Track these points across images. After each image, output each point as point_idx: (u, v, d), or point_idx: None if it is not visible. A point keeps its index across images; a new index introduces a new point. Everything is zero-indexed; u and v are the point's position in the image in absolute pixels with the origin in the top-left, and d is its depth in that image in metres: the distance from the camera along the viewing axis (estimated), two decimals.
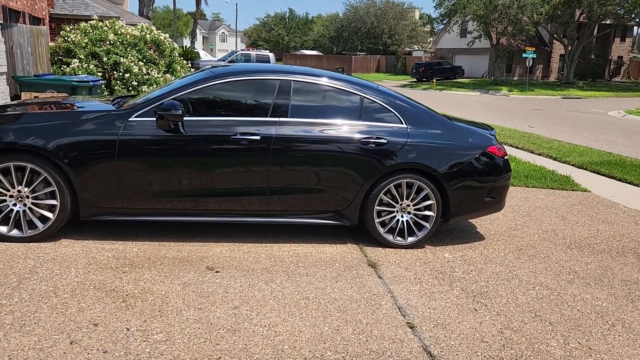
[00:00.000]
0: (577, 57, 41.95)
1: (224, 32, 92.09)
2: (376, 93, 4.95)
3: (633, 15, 39.02)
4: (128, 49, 12.58)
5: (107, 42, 12.30)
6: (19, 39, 8.09)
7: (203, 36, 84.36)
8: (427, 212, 4.91)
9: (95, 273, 3.91)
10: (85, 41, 12.13)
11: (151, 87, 12.33)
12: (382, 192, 4.79)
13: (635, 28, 53.35)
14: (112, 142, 4.34)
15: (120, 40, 12.51)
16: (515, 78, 47.52)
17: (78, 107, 4.83)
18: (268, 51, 37.10)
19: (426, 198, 4.87)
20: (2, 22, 7.45)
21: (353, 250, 4.79)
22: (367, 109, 4.85)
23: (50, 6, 19.46)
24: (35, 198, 4.35)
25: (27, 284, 3.66)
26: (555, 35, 42.44)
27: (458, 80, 44.73)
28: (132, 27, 13.45)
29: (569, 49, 41.36)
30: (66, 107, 4.90)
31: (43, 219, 4.40)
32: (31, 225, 4.39)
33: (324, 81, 4.87)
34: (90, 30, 12.58)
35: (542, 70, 49.19)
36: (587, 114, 22.15)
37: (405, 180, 4.80)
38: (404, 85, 37.99)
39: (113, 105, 4.87)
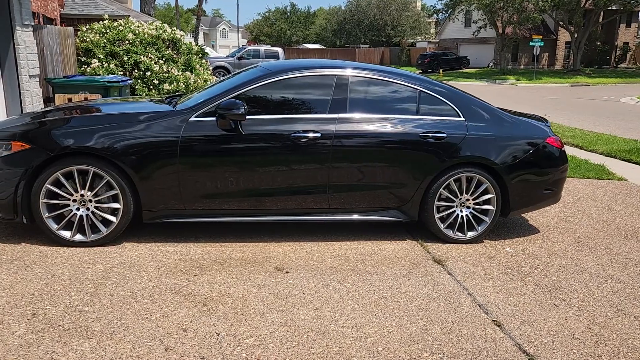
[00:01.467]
0: (583, 45, 41.73)
1: (224, 28, 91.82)
2: (432, 86, 4.88)
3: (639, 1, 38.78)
4: (147, 48, 12.50)
5: (126, 42, 12.22)
6: (48, 40, 8.02)
7: (204, 32, 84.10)
8: (486, 206, 4.85)
9: (167, 276, 3.87)
10: (104, 41, 12.05)
11: (172, 85, 12.29)
12: (442, 187, 4.72)
13: None
14: (174, 143, 4.28)
15: (139, 39, 12.43)
16: (521, 67, 47.33)
17: (134, 108, 4.77)
18: (277, 47, 36.87)
19: (486, 192, 4.81)
20: (33, 23, 7.35)
21: (414, 246, 4.74)
22: (424, 102, 4.78)
23: (60, 6, 19.36)
24: (97, 202, 4.30)
25: (103, 289, 3.61)
26: (560, 23, 42.21)
27: (464, 70, 44.56)
28: (148, 25, 13.36)
29: (575, 36, 41.16)
30: (117, 108, 4.84)
31: (106, 222, 4.35)
32: (94, 229, 4.34)
33: (380, 75, 4.81)
34: (108, 30, 12.50)
35: (547, 58, 48.96)
36: (599, 101, 22.03)
37: (465, 174, 4.74)
38: None
39: (169, 105, 4.81)
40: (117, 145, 4.19)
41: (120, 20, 12.90)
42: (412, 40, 58.84)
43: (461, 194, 4.80)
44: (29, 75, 7.27)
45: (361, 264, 4.29)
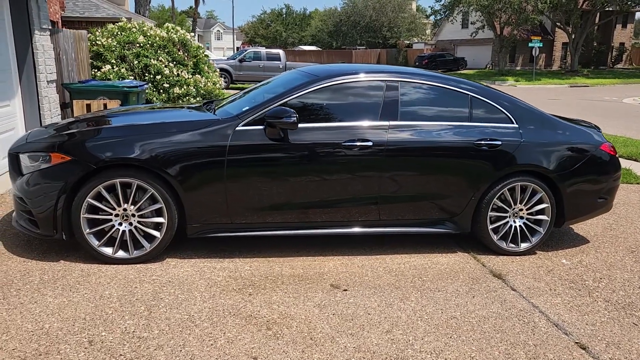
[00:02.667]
0: (581, 45, 41.78)
1: (219, 30, 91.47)
2: (484, 92, 4.68)
3: (637, 2, 38.87)
4: (158, 51, 12.25)
5: (137, 45, 11.97)
6: (64, 44, 7.77)
7: (198, 34, 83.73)
8: (540, 217, 4.66)
9: (221, 296, 3.64)
10: (115, 44, 11.80)
11: (182, 89, 12.06)
12: (496, 196, 4.52)
13: (637, 14, 53.22)
14: (222, 153, 4.06)
15: (149, 42, 12.19)
16: (519, 68, 47.35)
17: (177, 117, 4.55)
18: (276, 49, 36.62)
19: (540, 201, 4.62)
20: (51, 27, 7.10)
21: (467, 259, 4.54)
22: (476, 108, 4.59)
23: (62, 9, 19.05)
24: (140, 216, 4.06)
25: (157, 312, 3.39)
26: (558, 24, 42.24)
27: (462, 71, 44.49)
28: (158, 27, 13.12)
29: (573, 37, 41.18)
30: (154, 117, 4.61)
31: (149, 238, 4.12)
32: (137, 245, 4.10)
33: (430, 81, 4.61)
34: (118, 33, 12.24)
35: (545, 59, 48.99)
36: (602, 102, 21.94)
37: (519, 183, 4.54)
38: None
39: (208, 112, 4.59)
40: (162, 157, 3.96)
41: (133, 23, 12.65)
42: (408, 42, 58.74)
43: (515, 203, 4.61)
44: (47, 81, 7.02)
45: (419, 280, 4.08)
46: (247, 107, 4.32)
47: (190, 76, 12.54)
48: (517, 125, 4.59)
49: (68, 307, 3.38)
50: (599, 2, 38.10)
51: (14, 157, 4.17)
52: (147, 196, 4.01)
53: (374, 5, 58.65)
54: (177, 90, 11.98)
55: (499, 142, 4.47)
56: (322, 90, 4.39)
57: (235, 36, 75.36)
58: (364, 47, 57.73)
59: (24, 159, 4.09)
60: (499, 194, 4.53)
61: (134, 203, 4.03)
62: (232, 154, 4.07)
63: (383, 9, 58.78)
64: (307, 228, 4.39)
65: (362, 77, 4.50)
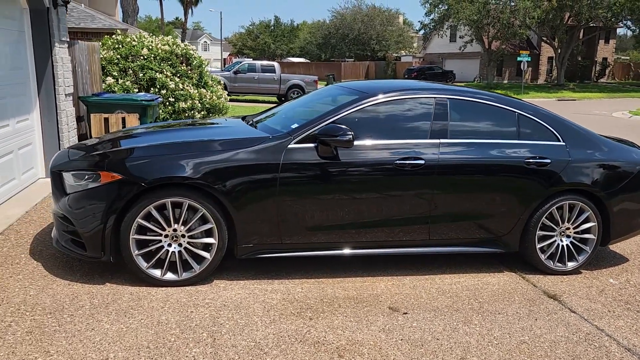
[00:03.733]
0: (566, 60, 42.46)
1: (205, 41, 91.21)
2: (530, 109, 4.65)
3: (620, 18, 39.67)
4: (161, 64, 12.10)
5: (141, 57, 11.81)
6: (79, 56, 7.61)
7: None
8: (587, 235, 4.62)
9: (282, 321, 3.52)
10: (117, 57, 11.63)
11: (188, 103, 11.91)
12: (545, 215, 4.47)
13: (619, 30, 54.35)
14: (274, 171, 3.96)
15: (153, 54, 12.04)
16: (506, 81, 47.91)
17: (226, 134, 4.44)
18: (262, 60, 36.58)
19: (587, 220, 4.58)
20: (68, 39, 6.95)
21: (516, 280, 4.47)
22: (524, 126, 4.55)
23: None
24: (190, 237, 3.93)
25: (221, 339, 3.25)
26: (544, 39, 42.90)
27: (452, 84, 44.81)
28: (158, 40, 12.96)
29: (559, 51, 41.85)
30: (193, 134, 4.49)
31: (198, 259, 3.98)
32: (186, 267, 3.96)
33: (478, 98, 4.56)
34: (120, 45, 12.08)
35: (531, 72, 49.66)
36: (593, 115, 22.22)
37: (567, 202, 4.50)
38: None
39: (254, 129, 4.49)
40: (214, 175, 3.84)
41: (132, 35, 12.49)
42: (396, 55, 59.17)
43: (562, 222, 4.56)
44: (65, 94, 6.86)
45: (475, 302, 4.00)
46: (297, 125, 4.22)
47: (195, 90, 12.41)
48: (564, 143, 4.56)
49: (127, 334, 3.23)
50: (583, 18, 38.81)
51: (57, 176, 4.01)
52: (198, 216, 3.88)
53: (362, 19, 59.05)
54: (182, 104, 11.83)
55: (548, 161, 4.42)
56: (372, 107, 4.32)
57: (222, 48, 75.25)
58: (353, 60, 58.03)
59: (68, 177, 3.94)
60: (547, 212, 4.48)
61: (184, 223, 3.89)
62: (284, 172, 3.97)
63: (371, 22, 59.19)
64: (357, 248, 4.29)
65: (411, 94, 4.44)
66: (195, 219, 3.89)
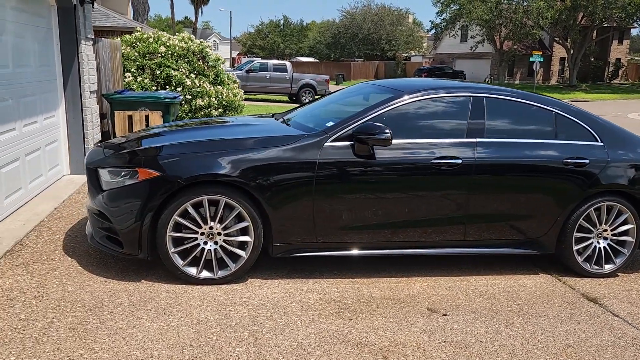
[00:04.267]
0: (579, 60, 42.16)
1: (215, 41, 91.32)
2: (567, 109, 4.59)
3: (635, 19, 39.34)
4: (178, 61, 12.10)
5: (158, 55, 11.80)
6: (102, 54, 7.60)
7: None
8: (624, 238, 4.54)
9: (321, 321, 3.47)
10: (135, 54, 11.64)
11: (205, 100, 11.89)
12: (582, 217, 4.40)
13: (633, 30, 53.93)
14: (311, 170, 3.91)
15: (170, 52, 12.03)
16: (517, 82, 47.63)
17: (261, 131, 4.40)
18: (271, 59, 36.51)
19: (625, 222, 4.51)
20: (93, 37, 6.94)
21: (553, 282, 4.41)
22: (561, 125, 4.48)
23: None
24: (226, 235, 3.89)
25: (263, 338, 3.21)
26: (556, 39, 42.62)
27: None
28: (175, 37, 12.95)
29: (572, 52, 41.55)
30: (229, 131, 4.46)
31: (233, 257, 3.95)
32: (221, 265, 3.93)
33: (514, 97, 4.50)
34: (138, 43, 12.08)
35: (542, 73, 49.33)
36: (609, 117, 21.89)
37: (605, 203, 4.43)
38: None
39: (288, 126, 4.45)
40: (251, 173, 3.81)
41: (150, 33, 12.50)
42: (406, 54, 58.99)
43: (600, 224, 4.48)
44: (90, 91, 6.84)
45: (514, 304, 3.94)
46: (332, 123, 4.17)
47: (212, 87, 12.39)
48: (602, 144, 4.48)
49: (169, 332, 3.20)
50: (597, 18, 38.50)
51: (92, 172, 3.99)
52: (235, 214, 3.85)
53: (372, 18, 58.92)
54: (199, 101, 11.82)
55: (587, 161, 4.36)
56: (407, 105, 4.27)
57: (231, 47, 75.34)
58: (362, 60, 57.92)
59: (104, 174, 3.92)
60: (585, 214, 4.41)
61: (220, 221, 3.85)
62: (320, 170, 3.93)
63: (381, 21, 59.05)
64: (392, 248, 4.24)
65: (447, 92, 4.38)
66: (232, 217, 3.85)
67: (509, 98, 4.47)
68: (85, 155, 6.77)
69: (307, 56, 65.80)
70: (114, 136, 7.50)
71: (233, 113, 13.02)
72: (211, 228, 3.86)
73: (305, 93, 24.27)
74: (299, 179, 3.90)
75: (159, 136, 4.41)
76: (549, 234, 4.42)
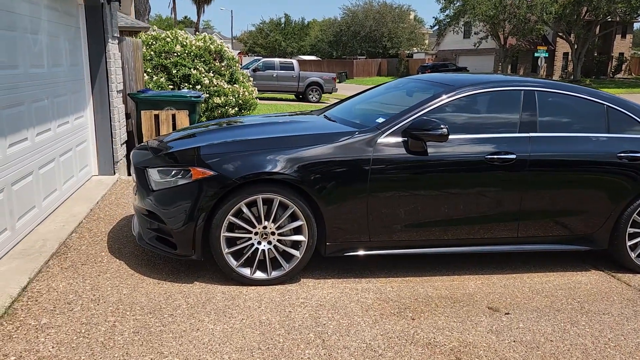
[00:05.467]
0: (583, 55, 42.05)
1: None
2: (618, 102, 4.51)
3: (639, 12, 39.23)
4: (195, 60, 12.02)
5: (175, 54, 11.73)
6: (126, 53, 7.51)
7: None
8: None
9: (385, 321, 3.40)
10: (151, 53, 11.57)
11: (222, 99, 11.81)
12: (636, 212, 4.32)
13: (636, 24, 53.81)
14: (365, 167, 3.83)
15: (186, 51, 11.96)
16: None
17: (310, 128, 4.33)
18: (273, 57, 36.39)
19: None
20: (119, 35, 6.86)
21: (606, 278, 4.34)
22: (613, 119, 4.40)
23: None
24: (280, 234, 3.81)
25: (330, 340, 3.13)
26: (560, 34, 42.50)
27: None
28: (194, 37, 12.89)
29: (575, 47, 41.44)
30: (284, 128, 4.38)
31: (287, 257, 3.87)
32: (275, 265, 3.85)
33: (566, 90, 4.41)
34: (154, 42, 12.01)
35: (546, 68, 49.21)
36: None
37: None
38: None
39: (336, 122, 4.37)
40: (305, 171, 3.72)
41: (167, 32, 12.44)
42: (409, 52, 58.86)
43: None
44: (117, 91, 6.76)
45: (574, 302, 3.86)
46: (383, 119, 4.09)
47: (229, 86, 12.32)
48: None
49: (234, 335, 3.12)
50: (601, 12, 38.39)
51: (141, 172, 3.91)
52: (288, 213, 3.76)
53: (374, 16, 58.79)
54: (216, 100, 11.75)
55: None
56: (459, 100, 4.19)
57: (233, 46, 75.16)
58: (365, 57, 57.79)
59: (154, 173, 3.84)
60: (639, 209, 4.32)
61: (274, 220, 3.77)
62: (375, 166, 3.85)
63: (383, 19, 58.92)
64: (445, 246, 4.16)
65: (497, 86, 4.29)
66: (285, 216, 3.77)
67: (559, 91, 4.38)
68: (113, 156, 6.69)
69: (309, 54, 65.65)
70: (139, 136, 7.41)
71: (248, 112, 12.95)
72: (265, 228, 3.77)
73: (312, 91, 24.16)
74: (353, 176, 3.82)
75: (204, 135, 4.32)
76: (602, 229, 4.34)
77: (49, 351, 2.81)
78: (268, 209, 3.76)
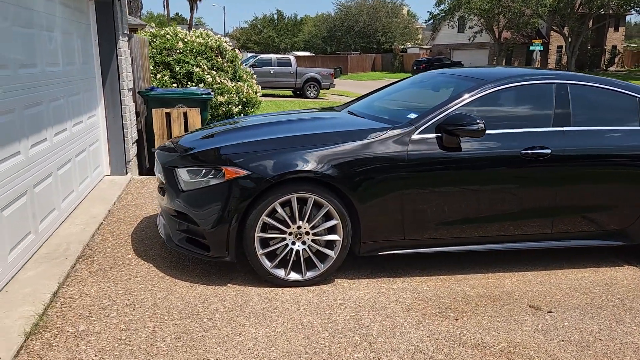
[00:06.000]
0: (577, 48, 42.14)
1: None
2: None
3: (633, 4, 39.33)
4: (197, 57, 11.87)
5: (177, 51, 11.56)
6: (134, 50, 7.37)
7: None
8: None
9: (428, 322, 3.32)
10: (153, 50, 11.40)
11: (225, 96, 11.66)
12: None
13: (628, 17, 53.98)
14: (401, 163, 3.74)
15: (188, 48, 11.79)
16: None
17: (341, 124, 4.23)
18: (270, 54, 36.13)
19: None
20: (128, 32, 6.73)
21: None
22: None
23: None
24: (314, 234, 3.72)
25: (377, 343, 3.05)
26: (554, 27, 42.55)
27: None
28: (191, 33, 12.72)
29: (569, 40, 41.51)
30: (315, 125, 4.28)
31: (321, 257, 3.77)
32: (309, 266, 3.76)
33: (597, 83, 4.34)
34: (155, 39, 11.84)
35: (540, 62, 49.29)
36: None
37: None
38: None
39: (364, 119, 4.29)
40: (340, 168, 3.63)
41: (166, 29, 12.26)
42: (403, 47, 58.79)
43: None
44: (127, 89, 6.63)
45: (614, 298, 3.80)
46: (416, 114, 4.00)
47: (232, 83, 12.17)
48: None
49: (278, 339, 3.03)
50: (595, 5, 38.45)
51: (169, 172, 3.80)
52: (323, 212, 3.67)
53: (367, 11, 58.66)
54: (220, 98, 11.59)
55: None
56: (491, 94, 4.10)
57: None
58: (359, 52, 57.66)
59: (183, 173, 3.73)
60: None
61: (308, 220, 3.67)
62: (410, 163, 3.76)
63: (376, 14, 58.82)
64: (480, 243, 4.08)
65: (530, 79, 4.21)
66: (320, 216, 3.68)
67: (591, 84, 4.31)
68: (125, 155, 6.57)
69: (302, 50, 65.41)
70: (150, 134, 7.29)
71: (252, 110, 12.81)
72: (299, 227, 3.68)
73: (310, 87, 23.99)
74: (389, 173, 3.73)
75: (231, 134, 4.22)
76: (636, 224, 4.27)
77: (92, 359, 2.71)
78: (300, 208, 3.66)
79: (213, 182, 3.59)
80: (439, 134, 3.84)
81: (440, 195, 3.86)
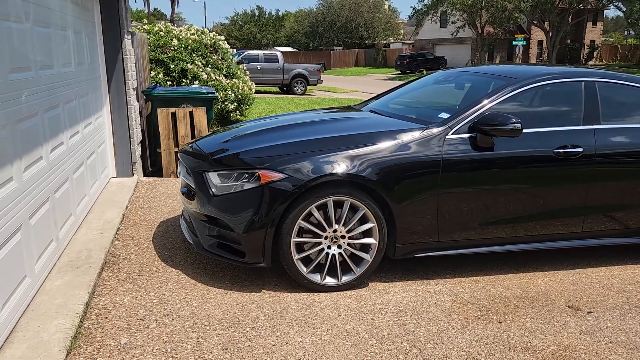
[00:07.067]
0: (558, 43, 42.59)
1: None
2: None
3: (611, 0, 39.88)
4: (192, 54, 11.68)
5: (171, 48, 11.37)
6: (136, 49, 7.18)
7: None
8: None
9: (473, 326, 3.27)
10: (147, 48, 11.18)
11: (221, 94, 11.50)
12: None
13: (606, 12, 54.73)
14: (436, 164, 3.69)
15: (183, 45, 11.60)
16: None
17: (365, 125, 4.15)
18: (255, 50, 35.82)
19: None
20: (132, 30, 6.55)
21: None
22: None
23: None
24: (350, 238, 3.64)
25: (427, 349, 2.99)
26: (535, 22, 42.93)
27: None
28: (184, 29, 12.50)
29: (550, 35, 41.93)
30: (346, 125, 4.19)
31: (356, 261, 3.70)
32: (344, 270, 3.68)
33: (624, 80, 4.33)
34: (149, 36, 11.61)
35: (521, 56, 49.74)
36: None
37: None
38: (392, 78, 37.41)
39: (396, 119, 4.21)
40: (377, 170, 3.56)
41: (159, 26, 12.05)
42: (385, 42, 58.85)
43: None
44: (132, 88, 6.46)
45: None
46: (448, 114, 3.94)
47: (227, 80, 12.01)
48: None
49: (327, 348, 2.96)
50: (574, 1, 38.89)
51: (199, 176, 3.69)
52: (359, 215, 3.59)
53: (349, 6, 58.55)
54: (217, 95, 11.42)
55: None
56: (522, 93, 4.06)
57: None
58: (342, 48, 57.55)
59: (214, 177, 3.62)
60: None
61: (344, 224, 3.60)
62: (445, 164, 3.70)
63: (358, 9, 58.75)
64: (511, 243, 4.05)
65: (559, 78, 4.18)
66: (356, 219, 3.60)
67: (619, 82, 4.30)
68: (131, 156, 6.41)
69: (284, 46, 65.04)
70: (155, 135, 7.12)
71: (247, 107, 12.67)
72: (335, 231, 3.60)
73: (298, 83, 23.83)
74: (425, 174, 3.67)
75: (260, 136, 4.10)
76: None
77: None
78: (335, 211, 3.57)
79: (247, 186, 3.49)
80: (473, 134, 3.79)
81: (474, 195, 3.81)
